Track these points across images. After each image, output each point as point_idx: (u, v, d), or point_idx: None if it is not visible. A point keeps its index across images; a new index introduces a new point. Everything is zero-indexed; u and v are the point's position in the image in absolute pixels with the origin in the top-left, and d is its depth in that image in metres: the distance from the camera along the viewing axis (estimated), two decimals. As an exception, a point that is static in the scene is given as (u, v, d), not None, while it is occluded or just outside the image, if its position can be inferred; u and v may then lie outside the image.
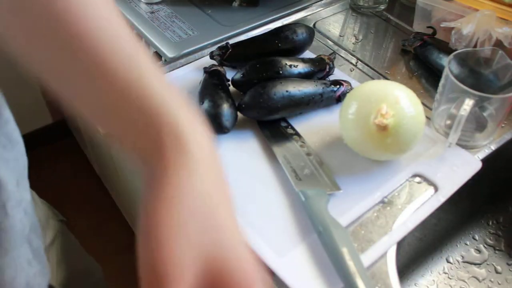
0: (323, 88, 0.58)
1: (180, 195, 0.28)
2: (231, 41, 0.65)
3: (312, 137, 0.56)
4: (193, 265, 0.26)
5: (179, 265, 0.26)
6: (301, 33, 0.65)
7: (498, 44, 0.60)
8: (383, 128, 0.47)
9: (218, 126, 0.53)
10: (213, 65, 0.61)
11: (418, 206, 0.49)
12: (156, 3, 0.85)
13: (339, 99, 0.59)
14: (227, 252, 0.28)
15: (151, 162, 0.29)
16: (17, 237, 0.39)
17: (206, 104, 0.54)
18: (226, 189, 0.32)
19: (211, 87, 0.56)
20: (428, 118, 0.59)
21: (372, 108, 0.48)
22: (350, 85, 0.60)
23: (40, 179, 0.90)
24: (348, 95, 0.53)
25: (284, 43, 0.63)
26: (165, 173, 0.29)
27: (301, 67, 0.60)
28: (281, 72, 0.59)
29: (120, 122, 0.31)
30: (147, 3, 0.85)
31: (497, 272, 0.62)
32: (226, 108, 0.53)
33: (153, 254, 0.26)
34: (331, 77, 0.64)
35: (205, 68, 0.60)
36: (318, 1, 0.83)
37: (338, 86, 0.59)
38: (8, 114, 0.41)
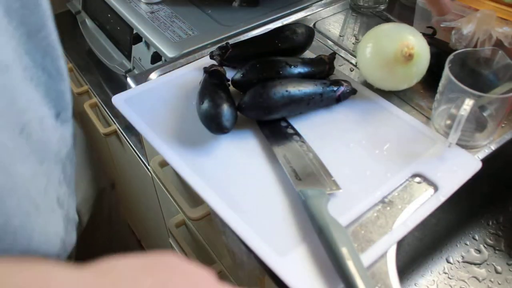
0: (323, 88, 0.58)
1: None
2: (231, 41, 0.65)
3: (312, 137, 0.56)
4: None
5: None
6: (301, 33, 0.65)
7: (498, 44, 0.60)
8: (409, 58, 0.56)
9: (218, 126, 0.53)
10: (213, 65, 0.61)
11: (418, 206, 0.49)
12: (156, 3, 0.85)
13: (339, 99, 0.59)
14: None
15: None
16: (52, 154, 0.42)
17: (206, 104, 0.54)
18: None
19: (211, 87, 0.56)
20: (428, 118, 0.59)
21: (395, 44, 0.56)
22: (350, 85, 0.60)
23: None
24: (363, 41, 0.60)
25: (284, 43, 0.63)
26: None
27: (301, 67, 0.60)
28: (281, 72, 0.59)
29: None
30: (147, 3, 0.85)
31: (497, 272, 0.62)
32: (226, 108, 0.53)
33: None
34: (331, 77, 0.64)
35: (205, 68, 0.60)
36: (318, 1, 0.83)
37: (338, 86, 0.59)
38: (60, 51, 0.43)
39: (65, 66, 0.44)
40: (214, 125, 0.53)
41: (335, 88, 0.59)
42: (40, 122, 0.40)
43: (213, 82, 0.57)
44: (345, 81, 0.60)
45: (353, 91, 0.60)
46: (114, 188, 0.72)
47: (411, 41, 0.56)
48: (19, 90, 0.37)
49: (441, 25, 0.64)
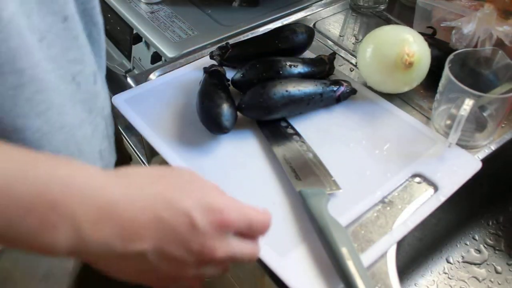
0: (323, 88, 0.58)
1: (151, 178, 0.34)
2: (231, 41, 0.65)
3: (312, 137, 0.56)
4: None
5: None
6: (301, 33, 0.64)
7: (499, 43, 0.60)
8: (409, 66, 0.56)
9: (218, 126, 0.53)
10: (213, 65, 0.61)
11: (418, 206, 0.49)
12: (156, 3, 0.85)
13: (339, 99, 0.59)
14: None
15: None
16: (99, 107, 0.45)
17: (206, 104, 0.54)
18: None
19: (211, 87, 0.56)
20: (428, 118, 0.59)
21: (396, 50, 0.56)
22: (350, 85, 0.60)
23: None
24: (364, 43, 0.60)
25: (284, 43, 0.63)
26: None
27: (301, 67, 0.60)
28: (281, 72, 0.59)
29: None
30: (147, 3, 0.85)
31: (497, 272, 0.62)
32: (226, 108, 0.53)
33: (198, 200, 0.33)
34: (331, 77, 0.64)
35: (205, 68, 0.60)
36: (318, 1, 0.83)
37: (338, 86, 0.59)
38: (101, 21, 0.46)
39: (101, 34, 0.47)
40: (214, 125, 0.53)
41: (335, 88, 0.58)
42: (93, 75, 0.44)
43: (213, 82, 0.57)
44: (345, 81, 0.60)
45: (353, 91, 0.60)
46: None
47: (412, 47, 0.56)
48: (75, 39, 0.40)
49: (441, 25, 0.64)
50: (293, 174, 0.50)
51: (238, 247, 0.35)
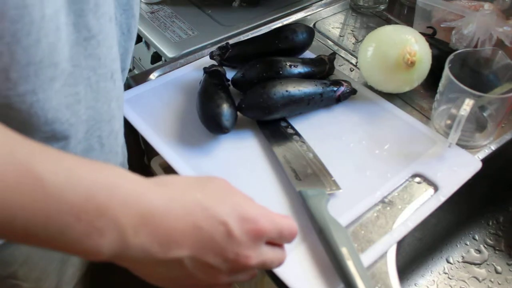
0: (323, 88, 0.58)
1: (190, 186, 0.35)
2: (231, 41, 0.65)
3: (312, 137, 0.56)
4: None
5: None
6: (301, 33, 0.64)
7: (499, 43, 0.60)
8: (410, 65, 0.56)
9: (218, 126, 0.53)
10: (213, 65, 0.61)
11: (418, 206, 0.49)
12: (156, 3, 0.85)
13: (339, 99, 0.59)
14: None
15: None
16: (119, 106, 0.46)
17: (206, 104, 0.54)
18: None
19: (211, 87, 0.56)
20: (428, 118, 0.59)
21: (397, 50, 0.56)
22: (350, 85, 0.60)
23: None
24: (365, 42, 0.60)
25: (284, 43, 0.63)
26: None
27: (301, 67, 0.60)
28: (281, 72, 0.59)
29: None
30: (147, 3, 0.85)
31: (497, 272, 0.62)
32: (226, 108, 0.53)
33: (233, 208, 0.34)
34: (331, 77, 0.64)
35: (205, 68, 0.60)
36: (318, 1, 0.83)
37: (338, 86, 0.59)
38: (136, 11, 0.47)
39: (136, 27, 0.48)
40: (214, 125, 0.53)
41: (335, 88, 0.58)
42: (121, 72, 0.46)
43: (213, 82, 0.57)
44: (345, 81, 0.60)
45: (353, 91, 0.60)
46: None
47: (413, 47, 0.56)
48: (114, 40, 0.42)
49: (442, 25, 0.64)
50: (293, 174, 0.50)
51: (269, 254, 0.36)
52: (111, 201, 0.29)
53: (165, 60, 0.75)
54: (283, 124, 0.57)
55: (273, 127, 0.57)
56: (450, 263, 0.63)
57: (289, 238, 0.37)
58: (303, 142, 0.55)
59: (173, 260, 0.32)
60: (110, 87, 0.42)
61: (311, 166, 0.52)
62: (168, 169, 0.61)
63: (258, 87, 0.55)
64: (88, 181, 0.29)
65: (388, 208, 0.49)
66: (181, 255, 0.32)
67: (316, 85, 0.58)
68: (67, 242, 0.29)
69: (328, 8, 0.81)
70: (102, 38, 0.39)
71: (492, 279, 0.61)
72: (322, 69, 0.62)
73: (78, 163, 0.30)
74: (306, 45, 0.66)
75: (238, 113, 0.56)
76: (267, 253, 0.36)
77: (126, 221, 0.29)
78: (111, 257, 0.30)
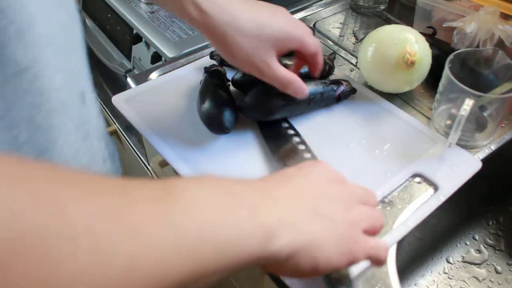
0: (323, 87, 0.58)
1: None
2: (231, 41, 0.65)
3: (312, 136, 0.56)
4: None
5: None
6: (301, 33, 0.64)
7: (499, 43, 0.60)
8: (410, 65, 0.56)
9: (219, 126, 0.53)
10: (214, 65, 0.61)
11: (418, 206, 0.49)
12: (156, 3, 0.85)
13: (339, 98, 0.59)
14: None
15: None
16: (94, 129, 0.42)
17: (207, 104, 0.54)
18: None
19: (212, 87, 0.56)
20: (428, 118, 0.59)
21: (397, 50, 0.56)
22: (350, 84, 0.60)
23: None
24: (365, 42, 0.60)
25: (284, 43, 0.63)
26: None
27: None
28: (281, 72, 0.59)
29: None
30: (147, 3, 0.85)
31: (497, 272, 0.62)
32: (227, 108, 0.53)
33: None
34: (331, 77, 0.64)
35: (205, 68, 0.60)
36: (318, 1, 0.83)
37: (338, 86, 0.59)
38: (77, 19, 0.42)
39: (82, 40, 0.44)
40: (215, 125, 0.53)
41: (335, 88, 0.58)
42: (81, 95, 0.40)
43: (214, 82, 0.57)
44: (345, 80, 0.60)
45: (353, 91, 0.60)
46: None
47: (413, 47, 0.56)
48: (65, 63, 0.37)
49: (443, 25, 0.64)
50: None
51: (367, 208, 0.39)
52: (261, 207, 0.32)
53: (165, 60, 0.75)
54: (284, 125, 0.57)
55: (274, 128, 0.57)
56: (450, 263, 0.63)
57: (375, 201, 0.41)
58: (303, 143, 0.55)
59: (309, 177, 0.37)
60: (63, 120, 0.36)
61: None
62: (168, 169, 0.61)
63: (259, 88, 0.55)
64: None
65: (388, 208, 0.49)
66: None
67: (316, 84, 0.58)
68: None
69: (328, 8, 0.81)
70: (40, 68, 0.33)
71: (492, 279, 0.61)
72: (322, 69, 0.62)
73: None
74: (306, 45, 0.66)
75: (238, 113, 0.56)
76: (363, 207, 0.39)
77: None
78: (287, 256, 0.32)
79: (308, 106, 0.57)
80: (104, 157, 0.45)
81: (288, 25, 0.49)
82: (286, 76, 0.50)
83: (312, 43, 0.51)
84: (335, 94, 0.59)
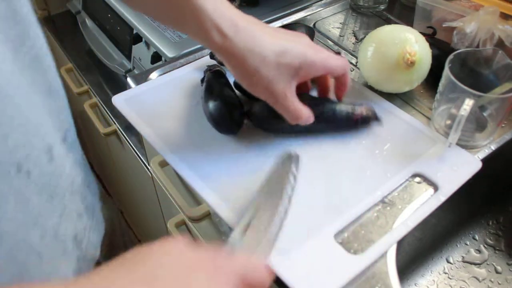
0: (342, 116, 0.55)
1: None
2: (231, 41, 0.65)
3: (312, 137, 0.55)
4: None
5: None
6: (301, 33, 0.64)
7: (499, 43, 0.60)
8: (410, 65, 0.56)
9: (228, 127, 0.53)
10: (216, 65, 0.61)
11: (418, 206, 0.49)
12: (156, 3, 0.85)
13: (357, 122, 0.55)
14: None
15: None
16: (64, 184, 0.38)
17: (215, 103, 0.53)
18: None
19: (219, 87, 0.55)
20: (428, 118, 0.59)
21: (397, 50, 0.56)
22: (373, 110, 0.56)
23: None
24: (365, 42, 0.60)
25: (284, 43, 0.63)
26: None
27: (301, 67, 0.60)
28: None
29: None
30: (147, 3, 0.85)
31: (497, 272, 0.62)
32: (235, 109, 0.53)
33: None
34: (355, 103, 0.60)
35: (208, 67, 0.60)
36: (318, 1, 0.83)
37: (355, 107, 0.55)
38: (51, 60, 0.39)
39: (58, 77, 0.40)
40: (224, 125, 0.53)
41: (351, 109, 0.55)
42: (47, 152, 0.36)
43: (220, 81, 0.57)
44: (367, 107, 0.56)
45: (375, 118, 0.56)
46: (122, 214, 0.69)
47: (413, 47, 0.56)
48: (15, 118, 0.32)
49: (443, 25, 0.64)
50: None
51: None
52: None
53: (165, 60, 0.75)
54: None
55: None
56: (450, 263, 0.63)
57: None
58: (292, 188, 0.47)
59: None
60: (18, 186, 0.32)
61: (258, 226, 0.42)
62: (168, 169, 0.61)
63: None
64: None
65: (388, 208, 0.49)
66: None
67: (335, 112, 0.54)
68: None
69: (328, 8, 0.81)
70: None
71: (492, 279, 0.61)
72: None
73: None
74: (306, 45, 0.66)
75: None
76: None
77: None
78: None
79: (324, 125, 0.55)
80: (79, 213, 0.41)
81: (309, 50, 0.47)
82: (298, 110, 0.48)
83: (336, 65, 0.49)
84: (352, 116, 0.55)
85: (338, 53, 0.64)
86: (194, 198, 0.62)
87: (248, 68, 0.45)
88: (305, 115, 0.49)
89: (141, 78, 0.66)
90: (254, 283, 0.32)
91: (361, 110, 0.55)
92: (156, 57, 0.80)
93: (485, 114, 0.56)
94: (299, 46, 0.47)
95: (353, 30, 0.76)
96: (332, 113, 0.54)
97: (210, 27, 0.44)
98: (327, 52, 0.50)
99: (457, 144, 0.54)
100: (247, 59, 0.45)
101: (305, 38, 0.49)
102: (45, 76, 0.37)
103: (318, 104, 0.54)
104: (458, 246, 0.65)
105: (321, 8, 0.81)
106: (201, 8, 0.43)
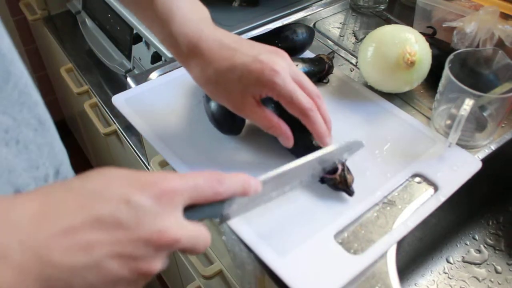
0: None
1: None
2: (231, 41, 0.65)
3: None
4: None
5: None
6: (301, 33, 0.64)
7: (499, 43, 0.60)
8: (410, 65, 0.56)
9: (231, 127, 0.53)
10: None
11: (418, 206, 0.49)
12: (156, 3, 0.85)
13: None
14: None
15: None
16: None
17: (214, 104, 0.53)
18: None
19: None
20: (428, 118, 0.59)
21: (397, 50, 0.56)
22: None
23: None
24: (365, 42, 0.60)
25: (284, 43, 0.63)
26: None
27: (301, 67, 0.60)
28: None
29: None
30: (147, 3, 0.85)
31: (497, 272, 0.62)
32: None
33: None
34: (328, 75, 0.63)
35: None
36: (318, 1, 0.83)
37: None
38: (37, 96, 0.37)
39: (46, 112, 0.38)
40: (227, 125, 0.53)
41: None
42: (55, 176, 0.36)
43: None
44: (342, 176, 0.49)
45: (346, 189, 0.49)
46: None
47: (413, 47, 0.56)
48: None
49: (443, 25, 0.64)
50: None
51: (192, 227, 0.31)
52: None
53: (165, 60, 0.75)
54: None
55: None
56: (450, 263, 0.63)
57: (209, 191, 0.31)
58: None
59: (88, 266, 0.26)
60: None
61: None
62: (168, 169, 0.62)
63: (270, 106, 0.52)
64: None
65: (388, 208, 0.49)
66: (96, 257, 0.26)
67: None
68: None
69: (328, 8, 0.81)
70: None
71: (492, 279, 0.61)
72: (321, 68, 0.62)
73: None
74: (306, 44, 0.66)
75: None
76: (189, 226, 0.30)
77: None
78: None
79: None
80: None
81: (255, 58, 0.46)
82: (262, 119, 0.48)
83: (282, 84, 0.45)
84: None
85: (332, 55, 0.64)
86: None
87: (209, 76, 0.47)
88: (273, 123, 0.48)
89: (141, 78, 0.66)
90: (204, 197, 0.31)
91: (334, 176, 0.48)
92: (156, 57, 0.80)
93: (485, 114, 0.56)
94: (250, 53, 0.46)
95: (353, 30, 0.76)
96: (304, 150, 0.48)
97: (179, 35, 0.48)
98: (291, 71, 0.48)
99: (457, 144, 0.54)
100: (208, 67, 0.47)
101: (276, 51, 0.49)
102: (33, 111, 0.36)
103: (302, 136, 0.51)
104: (458, 246, 0.65)
105: (321, 8, 0.81)
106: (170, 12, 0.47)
